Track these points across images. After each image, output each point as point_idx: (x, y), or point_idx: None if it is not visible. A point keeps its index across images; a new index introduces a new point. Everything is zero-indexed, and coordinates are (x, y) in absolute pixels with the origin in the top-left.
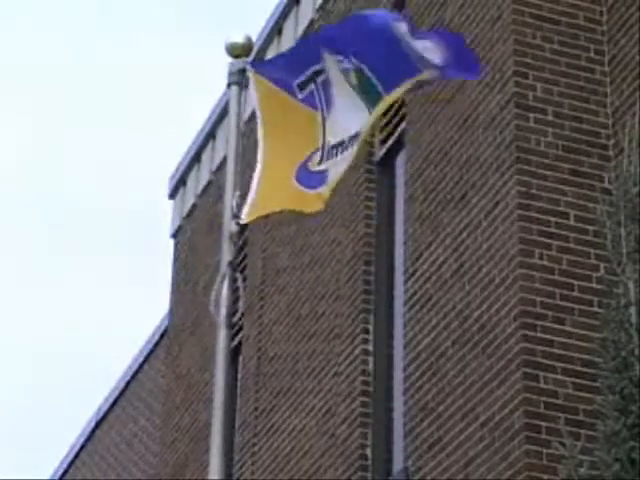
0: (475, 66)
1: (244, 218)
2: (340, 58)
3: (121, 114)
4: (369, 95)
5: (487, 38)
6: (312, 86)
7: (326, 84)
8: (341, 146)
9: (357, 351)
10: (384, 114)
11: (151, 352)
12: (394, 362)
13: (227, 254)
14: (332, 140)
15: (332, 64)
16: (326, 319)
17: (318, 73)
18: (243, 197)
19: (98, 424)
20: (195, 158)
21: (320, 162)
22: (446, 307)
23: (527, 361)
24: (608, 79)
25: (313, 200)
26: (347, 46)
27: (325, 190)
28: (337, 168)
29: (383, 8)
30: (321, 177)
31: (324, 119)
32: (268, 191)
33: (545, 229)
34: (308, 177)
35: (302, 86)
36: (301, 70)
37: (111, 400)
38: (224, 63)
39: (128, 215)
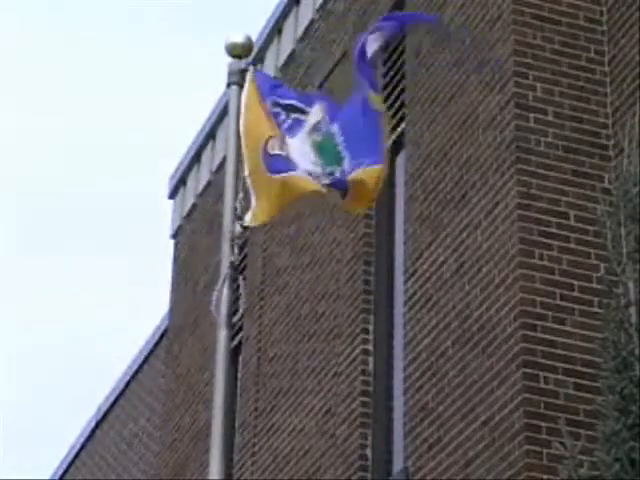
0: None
1: (248, 222)
2: (325, 119)
3: (121, 114)
4: (325, 152)
5: (487, 38)
6: (282, 111)
7: (297, 122)
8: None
9: (357, 351)
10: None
11: (151, 352)
12: (394, 362)
13: (228, 255)
14: (290, 149)
15: (314, 116)
16: (326, 319)
17: (295, 110)
18: (245, 198)
19: (98, 424)
20: (195, 158)
21: (280, 148)
22: (446, 307)
23: (527, 361)
24: (608, 79)
25: (292, 183)
26: (337, 114)
27: (300, 177)
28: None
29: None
30: (285, 162)
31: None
32: (263, 193)
33: (545, 229)
34: (272, 161)
35: (275, 104)
36: (289, 97)
37: (111, 400)
38: (224, 63)
39: (128, 215)
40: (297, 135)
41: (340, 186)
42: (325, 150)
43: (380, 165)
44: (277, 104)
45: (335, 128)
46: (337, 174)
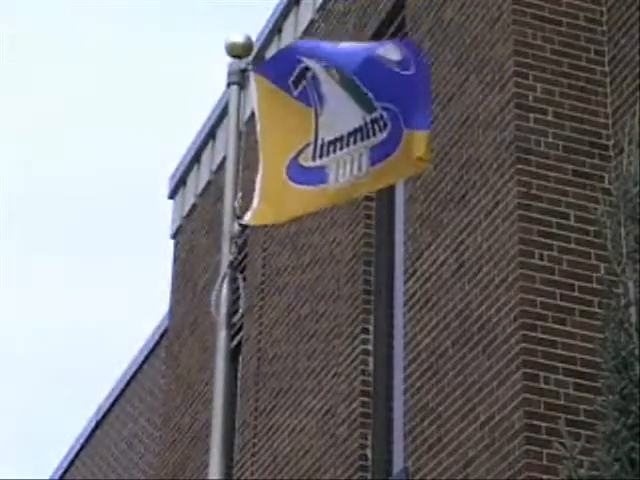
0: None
1: (247, 220)
2: (314, 62)
3: (121, 114)
4: (353, 91)
5: (487, 38)
6: (304, 82)
7: (315, 80)
8: (340, 141)
9: (357, 351)
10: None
11: (151, 352)
12: (394, 362)
13: (227, 254)
14: (327, 136)
15: (313, 64)
16: (326, 319)
17: (306, 70)
18: (245, 198)
19: (98, 424)
20: (195, 158)
21: (314, 158)
22: (446, 307)
23: (527, 361)
24: (608, 79)
25: (316, 197)
26: (320, 54)
27: (332, 189)
28: (345, 174)
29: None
30: (320, 174)
31: (317, 115)
32: (271, 197)
33: (545, 229)
34: (303, 173)
35: (296, 83)
36: (291, 69)
37: (111, 400)
38: (224, 63)
39: (128, 215)
40: (327, 95)
41: (388, 151)
42: (351, 89)
43: (426, 130)
44: (295, 82)
45: (329, 64)
46: (384, 135)
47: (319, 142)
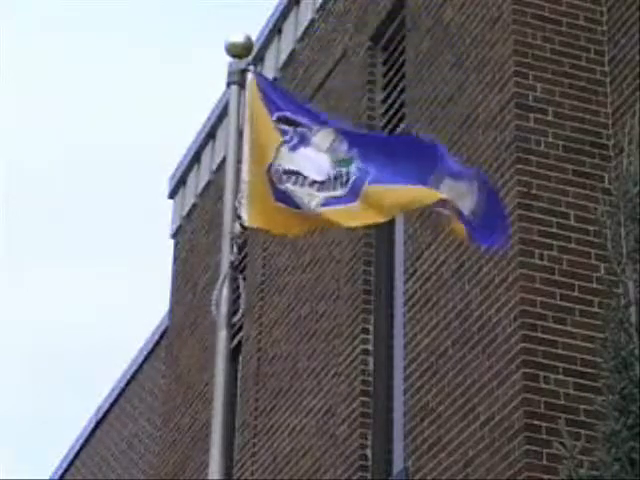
0: (501, 233)
1: (246, 221)
2: (338, 140)
3: (121, 114)
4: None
5: (487, 38)
6: (289, 128)
7: (304, 136)
8: (296, 175)
9: (357, 351)
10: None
11: (151, 352)
12: (394, 362)
13: (228, 254)
14: (285, 165)
15: (324, 138)
16: (326, 319)
17: (303, 126)
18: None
19: (98, 424)
20: (195, 158)
21: (280, 181)
22: (446, 307)
23: (527, 361)
24: (608, 79)
25: (296, 219)
26: (355, 143)
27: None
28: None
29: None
30: (286, 196)
31: (282, 146)
32: (258, 200)
33: (545, 229)
34: (276, 190)
35: (282, 119)
36: (293, 110)
37: (111, 400)
38: (224, 63)
39: (128, 215)
40: (307, 147)
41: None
42: (340, 162)
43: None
44: (285, 120)
45: (354, 153)
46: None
47: (274, 166)
